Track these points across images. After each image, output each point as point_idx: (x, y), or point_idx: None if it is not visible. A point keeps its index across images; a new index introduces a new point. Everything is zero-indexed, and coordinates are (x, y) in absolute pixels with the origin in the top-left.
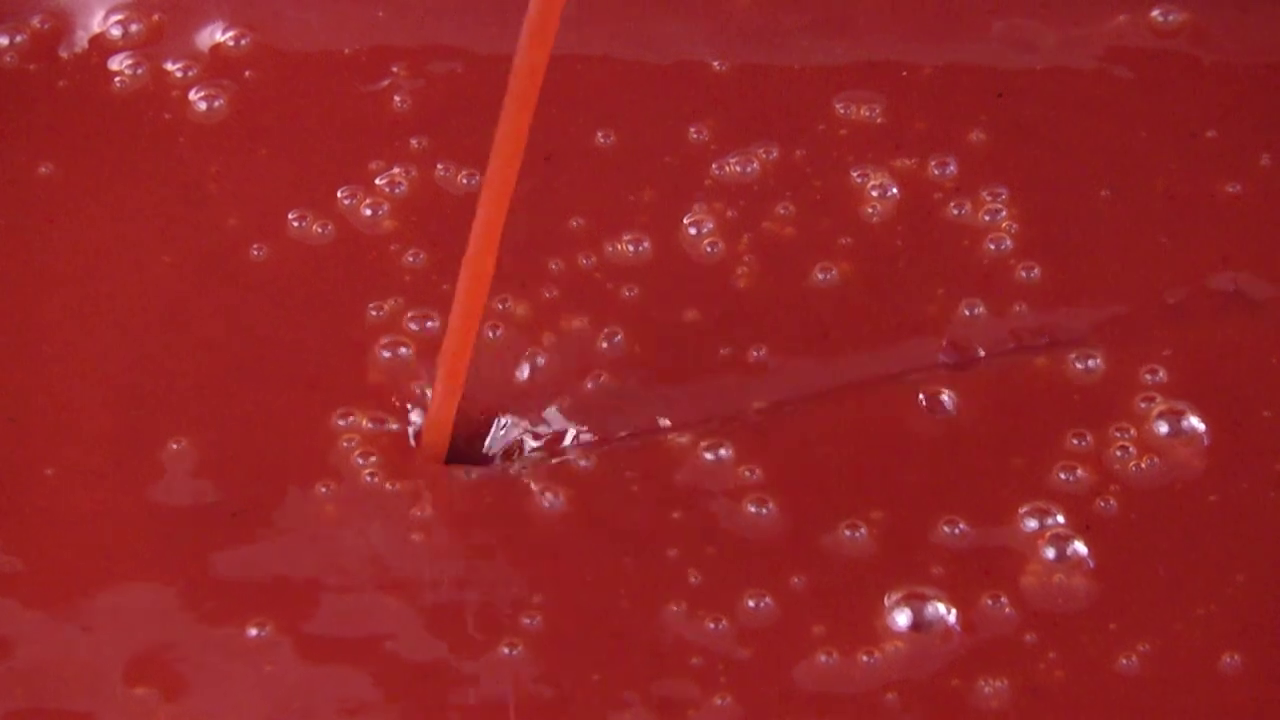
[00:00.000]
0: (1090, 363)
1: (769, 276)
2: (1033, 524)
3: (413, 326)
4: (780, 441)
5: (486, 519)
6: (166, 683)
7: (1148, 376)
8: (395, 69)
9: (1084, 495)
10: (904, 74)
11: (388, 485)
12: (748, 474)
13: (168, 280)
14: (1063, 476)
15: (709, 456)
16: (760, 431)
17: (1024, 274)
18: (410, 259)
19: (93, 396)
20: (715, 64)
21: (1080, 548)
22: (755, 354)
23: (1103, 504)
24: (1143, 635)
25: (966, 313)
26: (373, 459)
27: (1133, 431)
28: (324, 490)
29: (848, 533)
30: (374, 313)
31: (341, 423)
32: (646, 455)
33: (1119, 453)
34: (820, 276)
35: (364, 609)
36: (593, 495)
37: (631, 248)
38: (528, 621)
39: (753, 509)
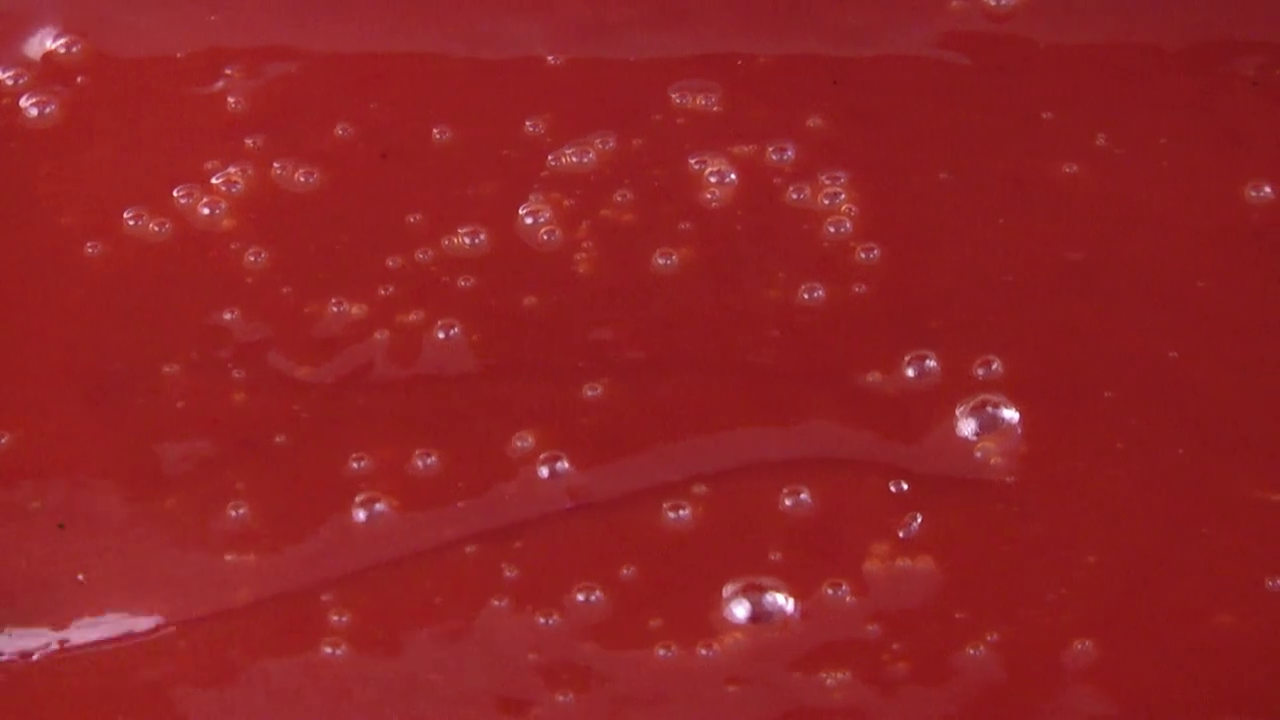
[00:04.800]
0: (928, 363)
1: (609, 262)
2: (873, 504)
3: (254, 328)
4: (616, 428)
5: (305, 520)
6: None
7: (990, 357)
8: (229, 70)
9: (928, 476)
10: (739, 63)
11: (219, 497)
12: (580, 478)
13: None
14: (904, 461)
15: (544, 472)
16: (599, 434)
17: (864, 255)
18: (251, 259)
19: None
20: (550, 58)
21: (922, 529)
22: (596, 338)
23: (945, 485)
24: (991, 624)
25: (806, 296)
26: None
27: (988, 410)
28: (155, 500)
29: (672, 514)
30: (219, 309)
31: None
32: (480, 463)
33: (961, 425)
34: (661, 262)
35: (183, 619)
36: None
37: (468, 240)
38: (337, 619)
39: (571, 500)
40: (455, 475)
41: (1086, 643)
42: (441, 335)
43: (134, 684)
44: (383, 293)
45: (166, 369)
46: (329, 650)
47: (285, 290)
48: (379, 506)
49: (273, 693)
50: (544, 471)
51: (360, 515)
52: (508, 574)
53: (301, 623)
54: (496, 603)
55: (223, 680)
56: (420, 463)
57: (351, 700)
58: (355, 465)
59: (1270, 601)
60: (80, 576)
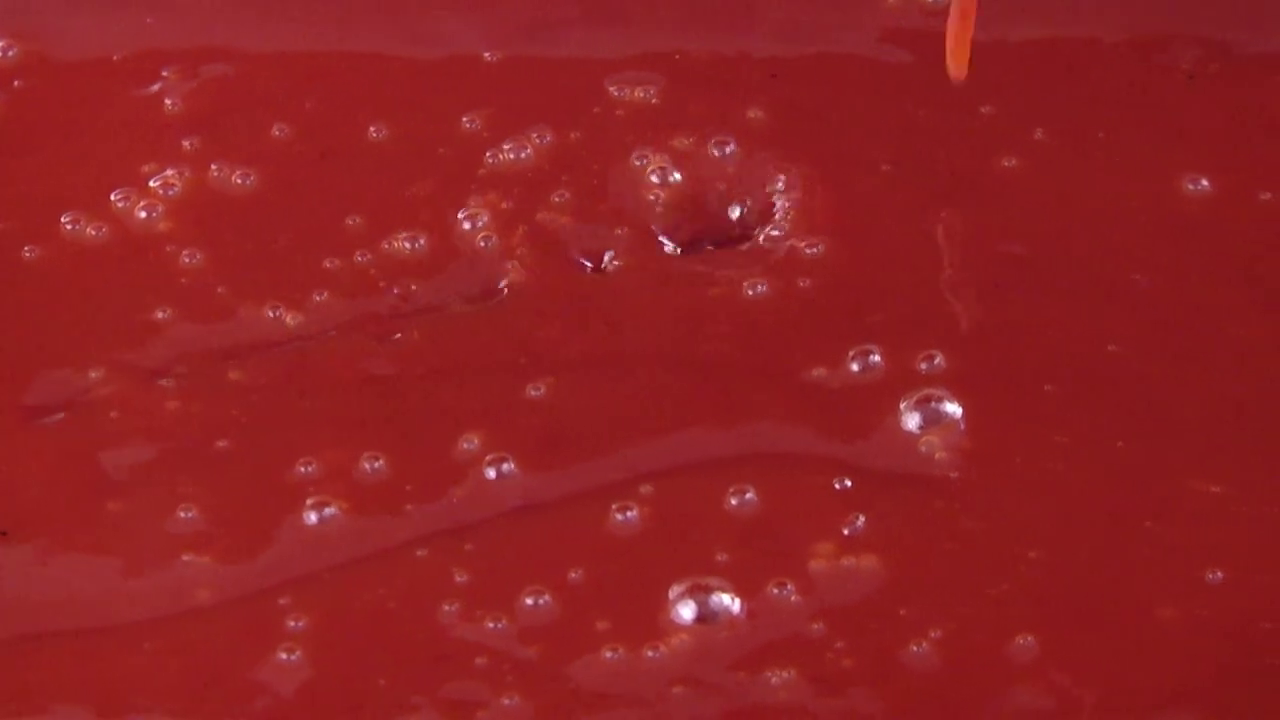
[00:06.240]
0: (873, 358)
1: (549, 260)
2: (818, 502)
3: (190, 331)
4: (561, 427)
5: (258, 522)
6: None
7: (932, 351)
8: (165, 73)
9: (872, 471)
10: (677, 58)
11: (167, 501)
12: (526, 479)
13: None
14: (849, 457)
15: (491, 474)
16: (544, 434)
17: (807, 250)
18: (187, 259)
19: None
20: (487, 55)
21: (866, 526)
22: (538, 336)
23: (889, 481)
24: (934, 620)
25: (750, 292)
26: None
27: (932, 405)
28: (101, 504)
29: (619, 516)
30: (155, 314)
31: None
32: (428, 464)
33: (906, 419)
34: (602, 258)
35: (138, 623)
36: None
37: (408, 244)
38: (294, 624)
39: (519, 501)
40: (404, 477)
41: (1029, 638)
42: (398, 337)
43: (101, 679)
44: (320, 297)
45: (104, 372)
46: (284, 656)
47: (220, 290)
48: (329, 510)
49: (232, 693)
50: (491, 473)
51: (312, 518)
52: (458, 578)
53: (260, 626)
54: (448, 607)
55: (192, 680)
56: (368, 465)
57: (304, 703)
58: (303, 469)
59: (1211, 594)
60: None
